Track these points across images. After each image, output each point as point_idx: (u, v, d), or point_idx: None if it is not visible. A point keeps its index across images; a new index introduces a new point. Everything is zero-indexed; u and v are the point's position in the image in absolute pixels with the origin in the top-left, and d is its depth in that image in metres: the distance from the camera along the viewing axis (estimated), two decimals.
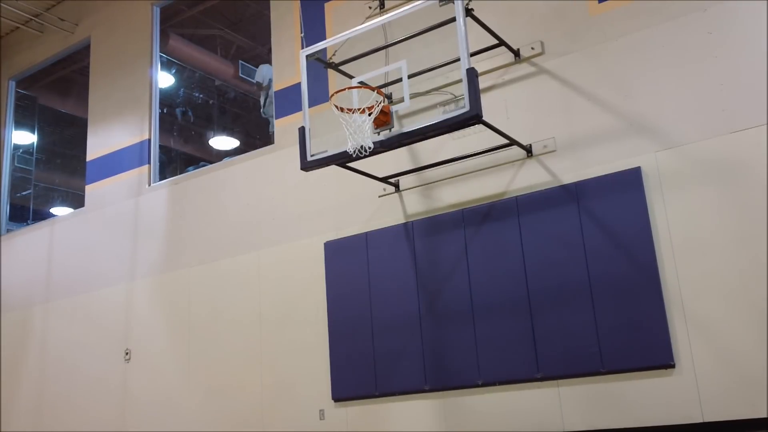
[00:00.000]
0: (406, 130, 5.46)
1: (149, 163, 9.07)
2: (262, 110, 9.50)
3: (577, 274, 5.60)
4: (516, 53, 6.27)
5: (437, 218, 6.45)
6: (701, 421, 5.01)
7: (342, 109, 5.51)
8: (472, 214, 6.25)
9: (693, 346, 5.13)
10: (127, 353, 8.44)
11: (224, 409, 7.45)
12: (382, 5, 7.07)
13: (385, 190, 6.85)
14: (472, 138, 6.25)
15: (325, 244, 7.05)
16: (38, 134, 12.21)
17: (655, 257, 5.34)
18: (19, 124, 11.70)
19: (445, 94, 6.39)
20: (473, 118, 5.09)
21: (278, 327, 7.26)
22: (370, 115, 5.46)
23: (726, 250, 5.14)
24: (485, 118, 5.23)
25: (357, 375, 6.51)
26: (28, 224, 11.03)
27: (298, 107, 6.54)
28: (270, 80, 8.67)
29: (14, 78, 11.52)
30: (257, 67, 11.32)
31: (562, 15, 6.20)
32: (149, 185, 8.97)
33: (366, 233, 6.80)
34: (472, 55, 5.51)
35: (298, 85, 6.32)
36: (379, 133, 5.71)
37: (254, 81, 9.73)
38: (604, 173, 5.70)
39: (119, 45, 9.90)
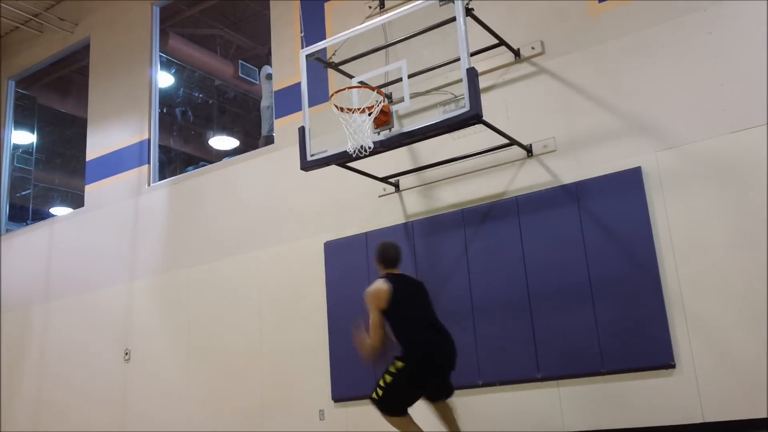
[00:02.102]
0: (406, 130, 5.45)
1: (149, 163, 9.06)
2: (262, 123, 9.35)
3: (577, 274, 5.59)
4: (516, 53, 6.27)
5: (437, 218, 6.44)
6: (701, 421, 5.00)
7: (342, 109, 5.50)
8: (472, 214, 6.24)
9: (693, 346, 5.13)
10: (126, 353, 8.43)
11: (224, 410, 7.44)
12: (382, 5, 7.06)
13: (385, 190, 6.84)
14: (472, 138, 6.24)
15: (325, 244, 7.04)
16: (38, 134, 12.20)
17: (656, 257, 5.34)
18: (19, 123, 11.69)
19: (445, 94, 6.38)
20: (473, 118, 5.08)
21: (278, 327, 7.25)
22: (370, 114, 5.46)
23: (726, 250, 5.14)
24: (485, 117, 5.22)
25: (357, 375, 6.49)
26: (27, 224, 11.02)
27: (298, 107, 6.53)
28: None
29: (14, 78, 11.51)
30: (257, 66, 11.32)
31: (563, 15, 6.19)
32: (149, 185, 8.96)
33: (366, 233, 6.79)
34: (472, 54, 5.50)
35: (298, 84, 6.32)
36: (379, 133, 5.70)
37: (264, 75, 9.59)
38: (604, 173, 5.69)
39: (119, 45, 9.89)
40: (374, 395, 4.68)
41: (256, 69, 11.49)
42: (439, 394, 4.84)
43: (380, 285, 4.76)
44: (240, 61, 11.70)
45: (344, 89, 5.62)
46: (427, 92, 6.46)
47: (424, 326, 4.76)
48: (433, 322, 4.85)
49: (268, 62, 8.97)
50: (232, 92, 12.52)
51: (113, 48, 9.96)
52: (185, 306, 8.08)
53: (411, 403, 4.73)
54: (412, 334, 4.68)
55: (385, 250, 5.07)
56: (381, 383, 4.67)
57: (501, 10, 6.39)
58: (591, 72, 5.97)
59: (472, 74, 5.07)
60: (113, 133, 9.59)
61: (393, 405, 4.68)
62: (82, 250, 9.36)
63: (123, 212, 9.06)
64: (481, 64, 6.04)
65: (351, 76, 6.11)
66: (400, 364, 4.61)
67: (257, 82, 11.36)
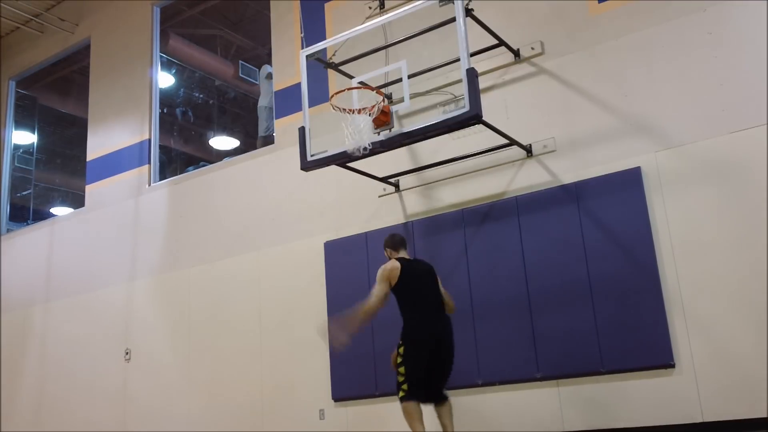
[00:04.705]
0: (406, 130, 5.46)
1: (149, 163, 9.07)
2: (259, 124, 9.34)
3: (577, 274, 5.60)
4: (516, 53, 6.27)
5: (437, 218, 6.45)
6: (701, 421, 5.01)
7: (342, 110, 5.51)
8: (472, 214, 6.24)
9: (693, 345, 5.13)
10: (127, 353, 8.44)
11: (224, 409, 7.45)
12: (382, 5, 7.06)
13: (385, 190, 6.85)
14: (472, 138, 6.25)
15: (325, 244, 7.04)
16: (38, 134, 12.22)
17: (655, 257, 5.34)
18: (19, 124, 11.70)
19: (445, 94, 6.39)
20: (473, 118, 5.09)
21: (278, 327, 7.26)
22: (370, 115, 5.47)
23: (726, 250, 5.14)
24: (485, 118, 5.23)
25: (357, 375, 6.50)
26: (28, 224, 11.03)
27: (298, 107, 6.54)
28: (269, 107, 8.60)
29: (14, 78, 11.52)
30: (257, 67, 11.31)
31: (562, 15, 6.20)
32: (149, 185, 8.97)
33: (366, 233, 6.79)
34: (472, 55, 5.51)
35: (298, 85, 6.32)
36: (379, 133, 5.70)
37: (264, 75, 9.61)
38: (604, 173, 5.70)
39: (119, 45, 9.90)
40: (401, 393, 4.84)
41: (257, 69, 11.49)
42: (437, 395, 5.00)
43: (394, 263, 5.16)
44: (240, 61, 11.70)
45: (344, 90, 5.62)
46: (427, 92, 6.47)
47: (427, 308, 5.06)
48: (437, 307, 5.10)
49: (269, 63, 8.97)
50: (232, 92, 12.53)
51: (114, 48, 9.97)
52: (185, 306, 8.08)
53: (426, 377, 4.88)
54: (413, 313, 5.01)
55: (392, 236, 5.50)
56: (400, 378, 4.87)
57: (501, 11, 6.40)
58: (590, 72, 5.97)
59: (472, 74, 5.08)
60: (114, 133, 9.60)
61: (415, 384, 4.82)
62: (83, 250, 9.36)
63: (123, 212, 9.07)
64: (480, 64, 6.05)
65: (351, 77, 6.12)
66: (401, 349, 4.92)
67: (257, 83, 11.37)
